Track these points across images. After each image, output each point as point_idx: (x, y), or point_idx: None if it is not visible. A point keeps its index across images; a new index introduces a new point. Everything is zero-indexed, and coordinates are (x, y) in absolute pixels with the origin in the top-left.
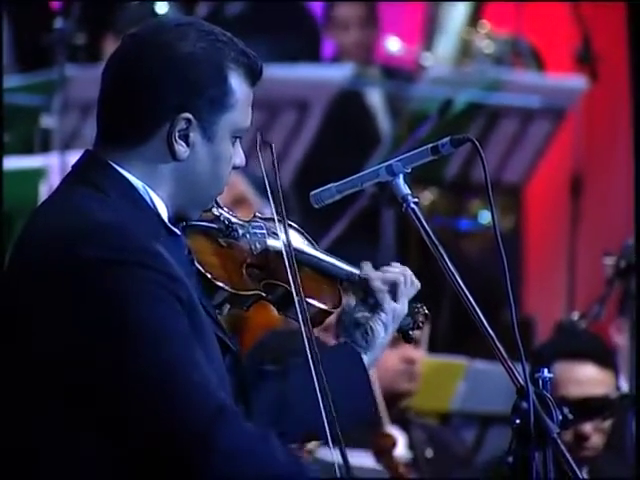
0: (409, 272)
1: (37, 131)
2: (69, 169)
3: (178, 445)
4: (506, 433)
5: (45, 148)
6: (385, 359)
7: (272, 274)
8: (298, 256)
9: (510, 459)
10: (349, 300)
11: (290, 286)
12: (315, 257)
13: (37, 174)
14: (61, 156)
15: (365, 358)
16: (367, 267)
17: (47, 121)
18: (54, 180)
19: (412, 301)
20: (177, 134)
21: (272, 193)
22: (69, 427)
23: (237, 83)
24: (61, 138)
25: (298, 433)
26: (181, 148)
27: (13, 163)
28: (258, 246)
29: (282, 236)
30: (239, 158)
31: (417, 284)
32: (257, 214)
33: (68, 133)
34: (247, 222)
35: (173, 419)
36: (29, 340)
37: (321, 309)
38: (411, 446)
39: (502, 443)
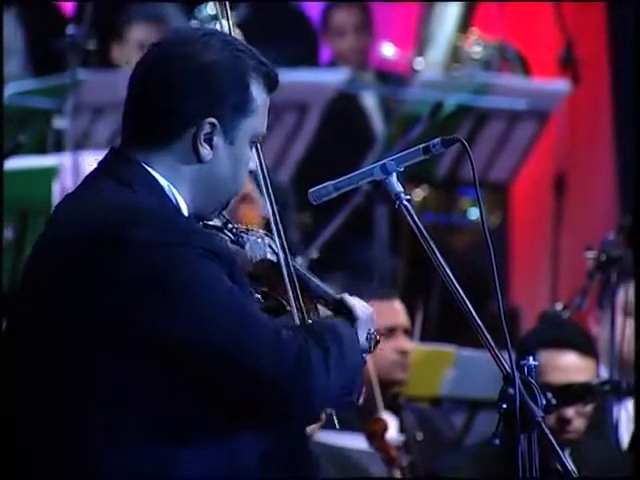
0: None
1: (50, 132)
2: (80, 168)
3: (279, 379)
4: (493, 417)
5: (58, 148)
6: (380, 350)
7: (266, 284)
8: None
9: (497, 441)
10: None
11: (280, 297)
12: (301, 272)
13: (50, 173)
14: (73, 156)
15: None
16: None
17: (60, 123)
18: (66, 179)
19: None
20: (202, 137)
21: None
22: (151, 388)
23: (257, 91)
24: (73, 139)
25: None
26: (205, 151)
27: (27, 162)
28: (258, 256)
29: (279, 249)
30: (253, 162)
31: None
32: (250, 228)
33: (80, 134)
34: (247, 231)
35: (265, 361)
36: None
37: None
38: (402, 430)
39: (490, 427)
